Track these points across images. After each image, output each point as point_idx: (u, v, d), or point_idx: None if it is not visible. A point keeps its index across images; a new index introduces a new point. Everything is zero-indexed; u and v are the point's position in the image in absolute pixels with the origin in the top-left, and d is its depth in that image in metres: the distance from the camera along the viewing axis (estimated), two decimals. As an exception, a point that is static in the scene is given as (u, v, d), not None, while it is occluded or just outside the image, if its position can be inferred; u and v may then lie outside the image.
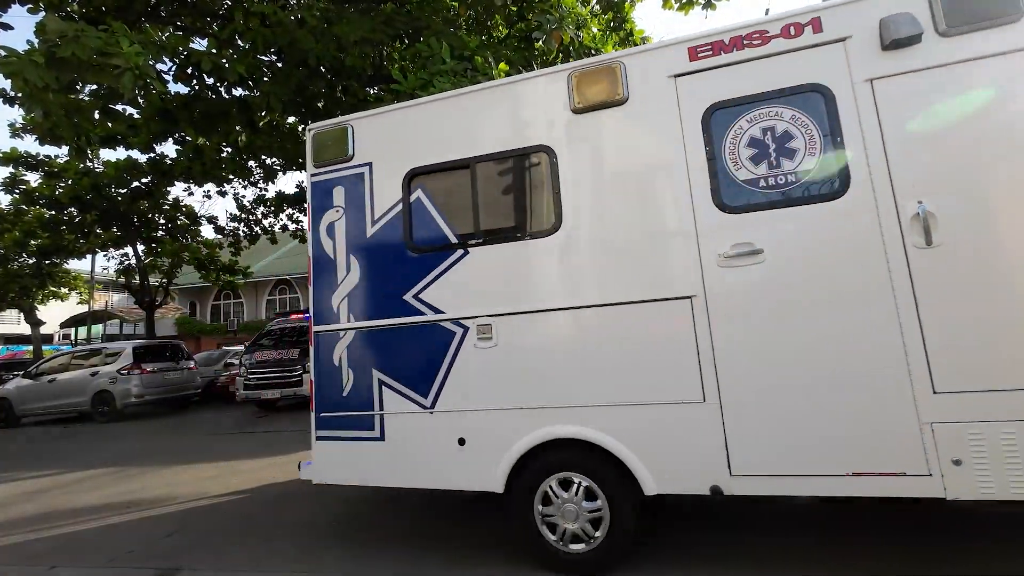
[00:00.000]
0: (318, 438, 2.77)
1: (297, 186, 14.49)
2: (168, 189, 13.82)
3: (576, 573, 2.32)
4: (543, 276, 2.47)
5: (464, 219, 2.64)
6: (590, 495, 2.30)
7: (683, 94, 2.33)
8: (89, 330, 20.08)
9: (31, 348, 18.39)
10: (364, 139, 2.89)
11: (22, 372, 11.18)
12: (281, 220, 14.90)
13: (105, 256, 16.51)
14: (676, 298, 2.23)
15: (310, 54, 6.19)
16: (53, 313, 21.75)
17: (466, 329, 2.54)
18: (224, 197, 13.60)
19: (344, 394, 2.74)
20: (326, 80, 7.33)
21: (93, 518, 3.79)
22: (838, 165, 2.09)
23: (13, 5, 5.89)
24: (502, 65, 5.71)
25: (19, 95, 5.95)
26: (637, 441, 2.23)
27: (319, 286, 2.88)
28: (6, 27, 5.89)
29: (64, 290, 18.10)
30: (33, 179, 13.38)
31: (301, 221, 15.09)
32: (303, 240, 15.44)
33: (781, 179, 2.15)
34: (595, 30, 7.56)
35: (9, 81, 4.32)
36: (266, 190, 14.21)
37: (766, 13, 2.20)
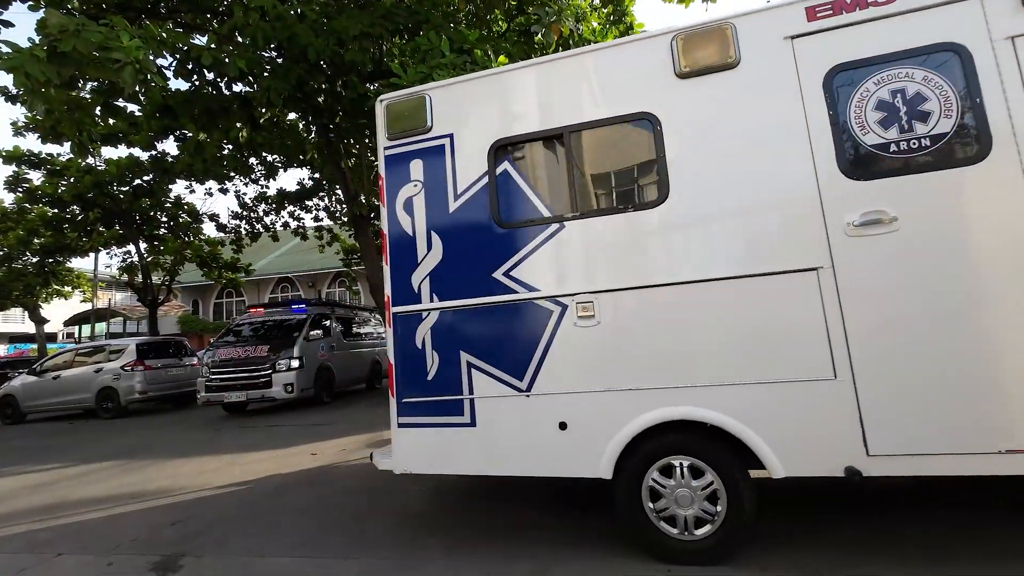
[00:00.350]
0: (400, 425, 2.63)
1: (298, 183, 14.52)
2: (170, 187, 13.88)
3: (691, 559, 2.23)
4: (649, 249, 2.35)
5: (558, 192, 2.51)
6: (700, 476, 2.22)
7: (801, 56, 2.21)
8: (93, 328, 20.19)
9: (35, 346, 18.51)
10: (444, 109, 2.74)
11: (27, 369, 11.26)
12: (283, 217, 14.97)
13: (108, 254, 16.61)
14: (800, 270, 2.12)
15: (310, 49, 6.20)
16: (57, 311, 21.87)
17: (564, 307, 2.42)
18: (225, 195, 13.65)
19: (429, 378, 2.60)
20: (326, 75, 7.34)
21: (98, 508, 3.84)
22: (978, 127, 1.99)
23: (14, 3, 5.92)
24: (501, 58, 5.72)
25: (21, 92, 5.99)
26: (762, 422, 2.12)
27: (397, 265, 2.73)
28: (7, 24, 5.92)
29: (67, 288, 18.20)
30: (36, 177, 13.46)
31: (302, 219, 15.13)
32: (304, 237, 15.48)
33: (914, 143, 2.04)
34: (595, 24, 7.55)
35: (11, 77, 4.34)
36: (267, 187, 14.21)
37: None
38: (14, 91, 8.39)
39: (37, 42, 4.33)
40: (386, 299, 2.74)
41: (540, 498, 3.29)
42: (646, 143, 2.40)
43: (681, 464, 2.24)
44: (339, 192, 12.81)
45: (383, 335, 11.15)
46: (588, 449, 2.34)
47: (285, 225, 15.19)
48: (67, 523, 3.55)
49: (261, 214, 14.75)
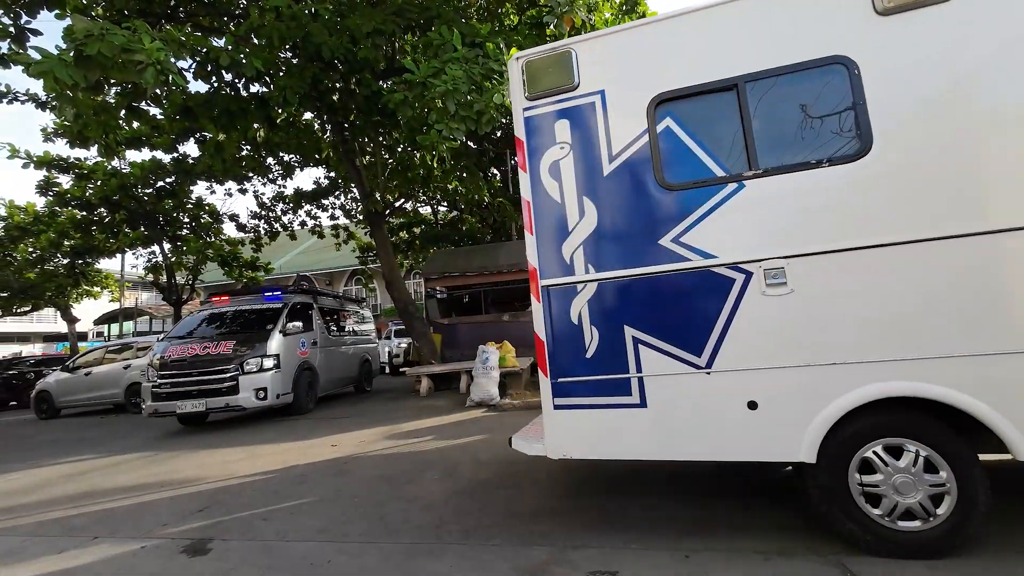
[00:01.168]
0: (556, 407, 2.44)
1: (315, 182, 14.74)
2: (191, 188, 14.23)
3: (912, 552, 2.03)
4: (851, 208, 2.10)
5: (733, 148, 2.28)
6: (928, 466, 2.00)
7: None
8: (121, 326, 20.87)
9: (68, 344, 19.21)
10: (592, 64, 2.53)
11: (60, 367, 11.70)
12: (300, 216, 15.25)
13: (134, 255, 17.13)
14: None
15: (324, 47, 6.30)
16: (87, 311, 22.67)
17: (749, 275, 2.20)
18: (244, 195, 13.93)
19: (588, 356, 2.41)
20: (340, 73, 7.44)
21: (129, 496, 3.98)
22: None
23: (42, 10, 6.13)
24: (514, 51, 5.71)
25: (51, 97, 6.18)
26: (1002, 399, 1.89)
27: (543, 235, 2.53)
28: (35, 32, 6.14)
29: (96, 289, 18.82)
30: (65, 181, 13.92)
31: (319, 217, 15.39)
32: (321, 236, 15.74)
33: None
34: (607, 15, 7.47)
35: (40, 83, 4.51)
36: (284, 187, 14.48)
37: None
38: (44, 97, 8.74)
39: (64, 48, 4.49)
40: (531, 270, 2.56)
41: (555, 485, 3.31)
42: (841, 91, 2.16)
43: (904, 446, 2.02)
44: (354, 190, 12.98)
45: (370, 332, 10.74)
46: (785, 431, 2.13)
47: (302, 224, 15.47)
48: (100, 510, 3.69)
49: (279, 213, 15.05)
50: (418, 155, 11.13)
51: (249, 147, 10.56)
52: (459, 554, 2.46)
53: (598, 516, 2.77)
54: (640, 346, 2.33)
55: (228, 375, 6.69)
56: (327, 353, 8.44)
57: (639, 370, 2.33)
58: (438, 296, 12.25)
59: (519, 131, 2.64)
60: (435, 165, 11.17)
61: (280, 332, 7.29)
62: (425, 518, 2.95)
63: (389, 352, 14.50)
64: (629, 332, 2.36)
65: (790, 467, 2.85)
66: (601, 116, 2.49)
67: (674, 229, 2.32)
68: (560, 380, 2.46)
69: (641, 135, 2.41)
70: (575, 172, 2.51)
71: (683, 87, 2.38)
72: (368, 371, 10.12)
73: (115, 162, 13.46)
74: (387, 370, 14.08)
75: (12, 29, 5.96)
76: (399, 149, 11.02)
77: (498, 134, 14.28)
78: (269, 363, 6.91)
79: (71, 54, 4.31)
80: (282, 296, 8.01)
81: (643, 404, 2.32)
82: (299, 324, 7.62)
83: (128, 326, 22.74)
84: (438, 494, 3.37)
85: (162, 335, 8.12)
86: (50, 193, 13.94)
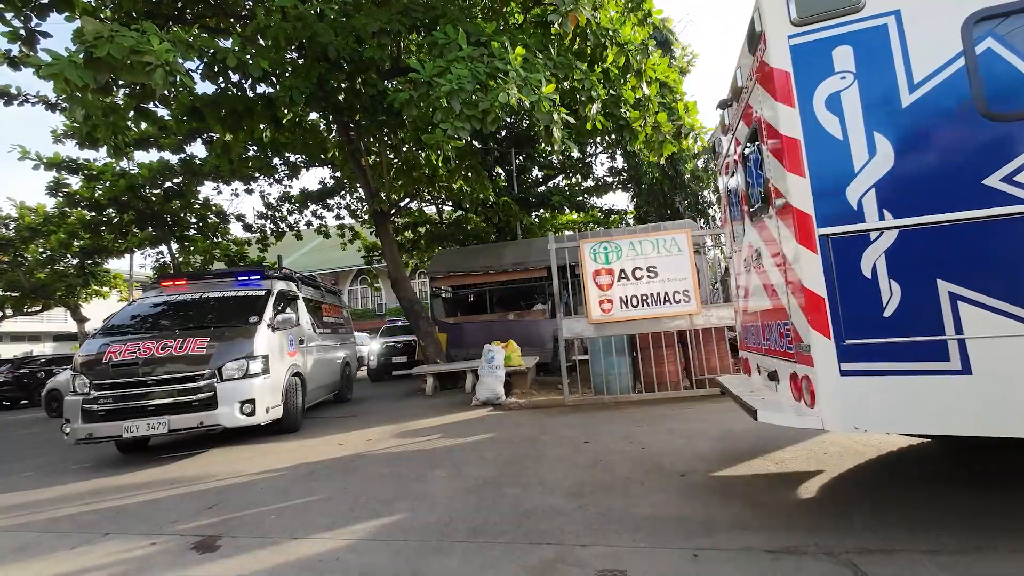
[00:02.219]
0: (844, 373, 2.16)
1: (320, 182, 14.82)
2: (198, 188, 14.34)
3: None
4: None
5: None
6: None
7: None
8: (129, 327, 21.05)
9: (78, 343, 19.42)
10: None
11: (70, 366, 11.82)
12: (306, 216, 15.33)
13: (142, 255, 17.27)
14: None
15: (330, 47, 6.31)
16: (96, 311, 22.88)
17: None
18: (251, 195, 14.02)
19: (886, 314, 2.12)
20: (346, 73, 7.46)
21: (138, 493, 4.02)
22: None
23: (52, 13, 6.19)
24: (519, 49, 5.70)
25: (61, 99, 6.23)
26: None
27: (820, 177, 2.25)
28: (45, 35, 6.20)
29: (106, 288, 19.01)
30: (74, 182, 14.06)
31: (325, 217, 15.46)
32: (327, 236, 15.79)
33: None
34: (612, 12, 7.44)
35: (51, 85, 4.56)
36: (290, 187, 14.57)
37: None
38: (53, 99, 8.83)
39: (74, 50, 4.53)
40: (801, 217, 2.27)
41: (561, 483, 3.30)
42: None
43: None
44: (360, 190, 13.02)
45: (350, 328, 9.64)
46: None
47: (308, 224, 15.54)
48: (110, 506, 3.73)
49: (285, 213, 15.13)
50: (423, 154, 11.14)
51: (255, 147, 10.62)
52: (467, 552, 2.46)
53: (606, 514, 2.76)
54: (960, 303, 2.02)
55: (201, 384, 5.02)
56: (313, 355, 7.01)
57: (959, 331, 2.01)
58: (443, 295, 12.27)
59: (781, 61, 2.34)
60: (440, 164, 11.17)
61: (268, 326, 5.69)
62: (433, 516, 2.96)
63: (367, 354, 13.27)
64: (944, 287, 2.05)
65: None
66: (897, 39, 2.19)
67: (1006, 167, 1.99)
68: (849, 342, 2.15)
69: (954, 59, 2.10)
70: (862, 105, 2.22)
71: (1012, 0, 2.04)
72: (348, 377, 8.84)
73: (124, 163, 13.58)
74: (366, 372, 13.17)
75: (23, 32, 6.03)
76: (404, 149, 11.04)
77: (503, 133, 14.34)
78: (256, 366, 5.29)
79: (81, 56, 4.36)
80: (262, 280, 6.33)
81: (965, 371, 1.99)
82: (291, 316, 6.13)
83: (136, 326, 22.91)
84: (445, 492, 3.38)
85: (93, 331, 6.15)
86: (60, 194, 14.08)
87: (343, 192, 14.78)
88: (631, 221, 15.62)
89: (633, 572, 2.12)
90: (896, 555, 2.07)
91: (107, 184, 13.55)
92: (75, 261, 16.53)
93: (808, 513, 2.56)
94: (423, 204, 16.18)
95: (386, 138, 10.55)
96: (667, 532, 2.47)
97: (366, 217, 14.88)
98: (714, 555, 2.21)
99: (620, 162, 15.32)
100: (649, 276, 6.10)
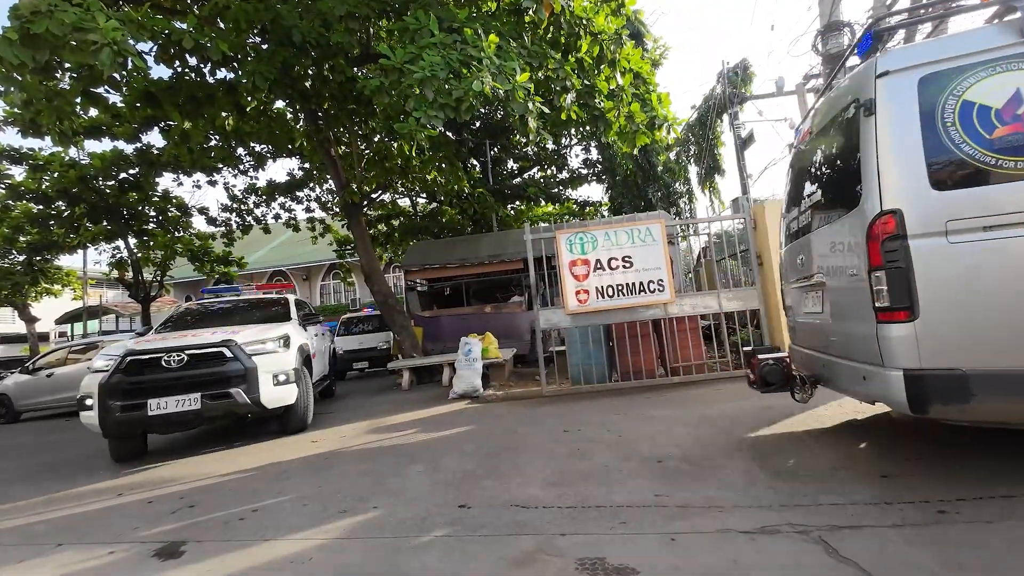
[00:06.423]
0: None
1: (288, 174, 14.31)
2: (157, 180, 13.64)
3: None
4: None
5: None
6: None
7: None
8: (85, 326, 19.99)
9: (27, 345, 18.30)
10: None
11: (19, 368, 11.12)
12: (274, 209, 14.80)
13: (97, 250, 16.36)
14: None
15: (294, 31, 6.05)
16: (48, 310, 21.57)
17: None
18: (214, 187, 13.48)
19: None
20: (312, 59, 7.17)
21: (97, 500, 3.80)
22: None
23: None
24: (492, 37, 5.59)
25: (-3, 81, 5.75)
26: None
27: None
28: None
29: (57, 287, 17.93)
30: (18, 173, 13.14)
31: (294, 210, 14.97)
32: (296, 229, 15.31)
33: None
34: (586, 2, 7.39)
35: (-15, 66, 4.20)
36: (256, 179, 13.98)
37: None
38: (-10, 82, 8.17)
39: (9, 26, 4.18)
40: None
41: (539, 473, 3.29)
42: None
43: None
44: (330, 181, 12.64)
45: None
46: None
47: (276, 217, 15.01)
48: (66, 515, 3.51)
49: (251, 206, 14.55)
50: (395, 145, 10.88)
51: (217, 136, 10.12)
52: (446, 546, 2.41)
53: (585, 502, 2.76)
54: None
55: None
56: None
57: None
58: (418, 289, 12.10)
59: None
60: (413, 155, 10.95)
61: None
62: (410, 511, 2.90)
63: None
64: None
65: None
66: None
67: None
68: None
69: None
70: None
71: None
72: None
73: (73, 152, 12.76)
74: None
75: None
76: (376, 138, 10.76)
77: (477, 124, 14.16)
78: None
79: (17, 33, 4.02)
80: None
81: None
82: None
83: (92, 325, 21.79)
84: (423, 487, 3.32)
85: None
86: (1, 186, 13.14)
87: (313, 184, 14.31)
88: (606, 213, 15.73)
89: (612, 558, 2.12)
90: (863, 530, 2.14)
91: (55, 175, 12.72)
92: (22, 258, 15.50)
93: (780, 493, 2.62)
94: (396, 196, 15.86)
95: (356, 127, 10.25)
96: (645, 517, 2.49)
97: (337, 210, 14.49)
98: (692, 538, 2.24)
99: (595, 154, 15.38)
100: (624, 266, 6.14)
